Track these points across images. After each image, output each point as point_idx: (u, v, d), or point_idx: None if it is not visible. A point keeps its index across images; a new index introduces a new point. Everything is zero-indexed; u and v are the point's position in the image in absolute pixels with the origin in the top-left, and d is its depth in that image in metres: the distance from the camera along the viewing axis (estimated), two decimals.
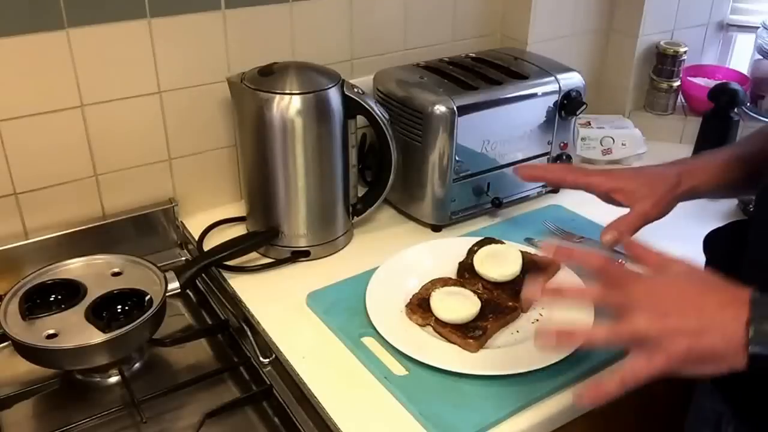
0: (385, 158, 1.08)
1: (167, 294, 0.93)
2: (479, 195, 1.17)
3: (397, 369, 0.86)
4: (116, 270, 0.96)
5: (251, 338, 0.96)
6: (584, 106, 1.18)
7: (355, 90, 1.04)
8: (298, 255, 1.08)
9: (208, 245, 1.08)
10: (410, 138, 1.11)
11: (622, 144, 1.36)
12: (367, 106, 1.04)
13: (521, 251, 1.01)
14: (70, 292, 0.92)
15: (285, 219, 1.06)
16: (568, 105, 1.18)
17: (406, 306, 0.94)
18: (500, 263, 0.98)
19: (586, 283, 0.97)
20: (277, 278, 1.05)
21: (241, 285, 1.02)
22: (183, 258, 1.15)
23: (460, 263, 1.02)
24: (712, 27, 1.56)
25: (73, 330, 0.86)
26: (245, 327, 0.98)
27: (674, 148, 1.42)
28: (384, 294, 0.96)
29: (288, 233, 1.07)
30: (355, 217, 1.13)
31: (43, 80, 0.98)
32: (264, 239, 1.07)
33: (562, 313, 0.93)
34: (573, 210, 1.21)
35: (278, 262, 1.07)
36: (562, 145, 1.22)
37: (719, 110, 1.29)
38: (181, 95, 1.10)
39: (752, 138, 0.94)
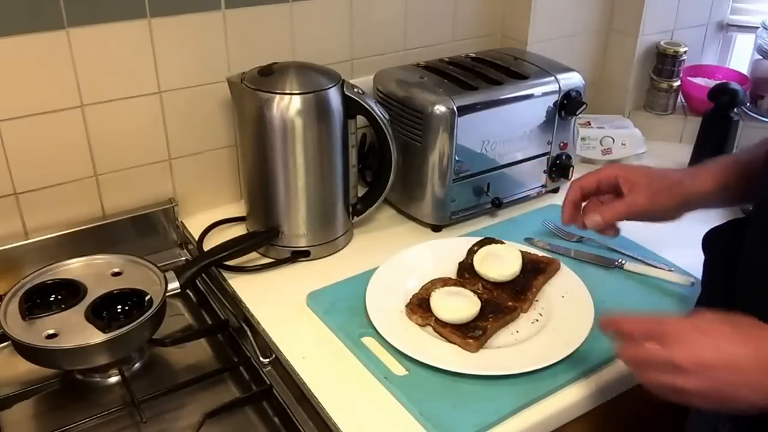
0: (385, 158, 1.08)
1: (167, 294, 0.93)
2: (479, 195, 1.17)
3: (397, 369, 0.86)
4: (116, 270, 0.96)
5: (251, 338, 0.96)
6: (584, 106, 1.18)
7: (355, 90, 1.04)
8: (298, 255, 1.08)
9: (208, 245, 1.08)
10: (410, 138, 1.11)
11: (622, 144, 1.36)
12: (367, 106, 1.04)
13: (521, 251, 1.01)
14: (70, 292, 0.92)
15: (285, 219, 1.06)
16: (568, 105, 1.18)
17: (406, 306, 0.94)
18: (500, 263, 0.98)
19: (587, 286, 0.97)
20: (277, 278, 1.05)
21: (241, 285, 1.02)
22: (183, 258, 1.15)
23: (460, 263, 1.02)
24: (712, 27, 1.56)
25: (73, 330, 0.86)
26: (245, 327, 0.98)
27: (674, 148, 1.42)
28: (384, 294, 0.96)
29: (288, 233, 1.07)
30: (355, 217, 1.13)
31: (43, 80, 0.98)
32: (264, 239, 1.07)
33: (563, 313, 0.94)
34: None
35: (278, 262, 1.07)
36: (562, 145, 1.22)
37: (719, 110, 1.29)
38: (181, 95, 1.10)
39: (757, 145, 0.94)
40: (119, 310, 0.93)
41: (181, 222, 1.16)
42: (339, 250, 1.11)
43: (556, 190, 1.27)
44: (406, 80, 1.14)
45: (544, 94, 1.16)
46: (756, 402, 0.63)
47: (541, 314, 0.95)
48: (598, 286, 0.98)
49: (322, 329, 0.94)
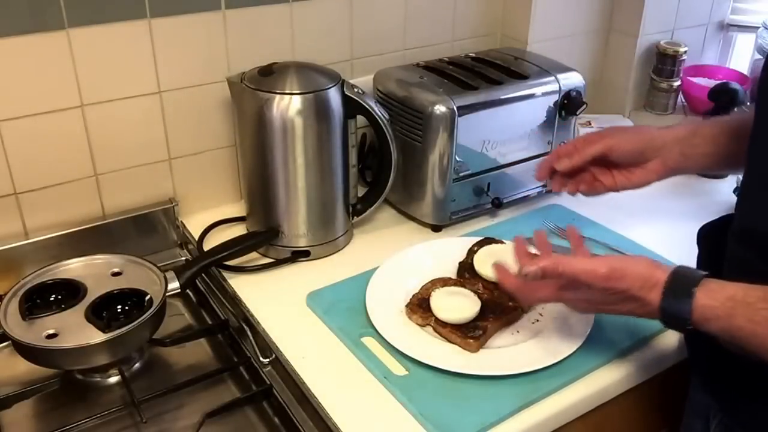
0: (385, 158, 1.08)
1: (167, 294, 0.93)
2: (479, 195, 1.17)
3: (397, 369, 0.86)
4: (116, 270, 0.96)
5: (251, 338, 0.96)
6: (584, 106, 1.18)
7: (355, 90, 1.04)
8: (298, 255, 1.08)
9: (208, 245, 1.08)
10: (410, 138, 1.11)
11: None
12: (367, 106, 1.04)
13: None
14: (70, 292, 0.92)
15: (285, 219, 1.06)
16: (568, 105, 1.18)
17: (406, 306, 0.94)
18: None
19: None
20: (277, 278, 1.05)
21: (241, 285, 1.02)
22: (183, 258, 1.15)
23: (460, 263, 1.02)
24: (712, 27, 1.56)
25: (73, 330, 0.86)
26: (245, 327, 0.98)
27: None
28: (384, 294, 0.96)
29: (288, 233, 1.07)
30: (355, 217, 1.13)
31: (43, 80, 0.98)
32: (264, 239, 1.07)
33: (563, 314, 0.94)
34: (573, 210, 1.21)
35: (278, 262, 1.07)
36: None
37: (719, 110, 1.29)
38: (181, 95, 1.10)
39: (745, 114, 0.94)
40: (119, 310, 0.93)
41: (181, 222, 1.16)
42: (339, 250, 1.11)
43: None
44: (406, 80, 1.14)
45: (545, 94, 1.16)
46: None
47: (541, 314, 0.95)
48: None
49: (322, 329, 0.94)
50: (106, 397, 0.90)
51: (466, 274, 1.00)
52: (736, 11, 1.57)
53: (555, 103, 1.17)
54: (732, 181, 1.26)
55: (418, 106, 1.09)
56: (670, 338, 0.93)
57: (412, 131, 1.10)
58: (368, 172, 1.23)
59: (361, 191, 1.15)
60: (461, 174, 1.12)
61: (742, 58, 1.60)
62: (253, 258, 1.08)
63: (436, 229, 1.16)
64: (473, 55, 1.26)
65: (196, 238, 1.12)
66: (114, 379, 0.92)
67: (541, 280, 0.78)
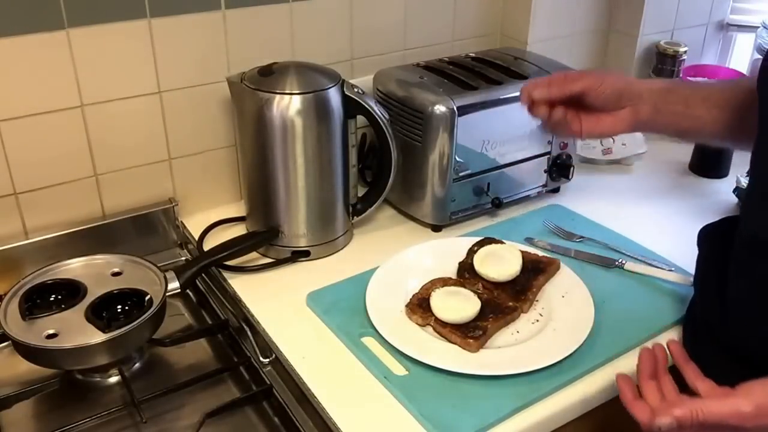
0: (385, 158, 1.08)
1: (167, 294, 0.93)
2: (479, 195, 1.17)
3: (397, 369, 0.86)
4: (116, 270, 0.96)
5: (251, 338, 0.96)
6: None
7: (355, 90, 1.04)
8: (298, 255, 1.08)
9: (208, 245, 1.08)
10: (410, 138, 1.11)
11: (622, 144, 1.36)
12: (367, 106, 1.04)
13: (521, 251, 1.01)
14: (70, 292, 0.92)
15: (285, 219, 1.06)
16: None
17: (406, 306, 0.94)
18: (500, 263, 0.98)
19: (587, 286, 0.98)
20: (277, 278, 1.05)
21: (241, 285, 1.02)
22: (183, 258, 1.15)
23: (460, 263, 1.02)
24: (712, 27, 1.56)
25: (73, 330, 0.86)
26: (245, 327, 0.98)
27: (674, 148, 1.42)
28: (384, 294, 0.96)
29: (288, 233, 1.07)
30: (355, 217, 1.13)
31: (43, 80, 0.98)
32: (264, 239, 1.07)
33: (563, 314, 0.94)
34: (573, 210, 1.21)
35: (278, 262, 1.07)
36: (562, 144, 1.22)
37: None
38: (181, 95, 1.10)
39: (730, 84, 0.93)
40: (119, 310, 0.93)
41: (181, 222, 1.16)
42: (339, 250, 1.11)
43: (556, 190, 1.27)
44: (406, 80, 1.14)
45: None
46: None
47: (541, 314, 0.95)
48: (598, 286, 0.98)
49: (322, 329, 0.94)
50: (106, 397, 0.90)
51: (466, 274, 1.00)
52: (736, 11, 1.57)
53: None
54: (732, 182, 1.26)
55: (418, 106, 1.09)
56: (671, 338, 0.93)
57: (412, 131, 1.11)
58: (368, 172, 1.23)
59: (361, 191, 1.15)
60: (461, 174, 1.12)
61: (741, 58, 1.60)
62: (253, 258, 1.08)
63: (436, 229, 1.16)
64: (473, 55, 1.26)
65: (196, 238, 1.12)
66: (114, 379, 0.92)
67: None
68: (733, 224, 0.83)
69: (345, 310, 0.95)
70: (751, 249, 0.77)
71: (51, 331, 0.85)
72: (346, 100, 1.03)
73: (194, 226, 1.15)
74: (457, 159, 1.10)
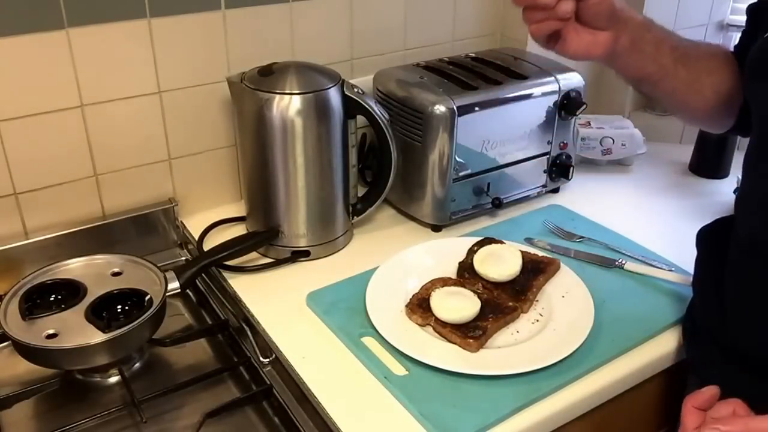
0: (385, 158, 1.08)
1: (167, 294, 0.93)
2: (479, 195, 1.17)
3: (397, 369, 0.86)
4: (116, 270, 0.96)
5: (251, 338, 0.96)
6: (584, 107, 1.18)
7: (355, 90, 1.04)
8: (298, 255, 1.08)
9: (208, 245, 1.08)
10: (410, 138, 1.11)
11: (622, 144, 1.36)
12: (367, 106, 1.04)
13: (521, 251, 1.01)
14: (70, 292, 0.92)
15: (285, 219, 1.06)
16: (568, 105, 1.18)
17: (406, 306, 0.94)
18: (500, 263, 0.98)
19: (587, 286, 0.98)
20: (277, 278, 1.05)
21: (241, 285, 1.02)
22: (183, 258, 1.15)
23: (460, 263, 1.02)
24: (712, 27, 1.56)
25: (73, 330, 0.86)
26: (245, 327, 0.98)
27: (674, 149, 1.42)
28: (384, 294, 0.96)
29: (288, 233, 1.07)
30: (355, 217, 1.13)
31: (43, 80, 0.98)
32: (264, 239, 1.07)
33: (563, 314, 0.94)
34: (573, 210, 1.21)
35: (278, 262, 1.07)
36: (561, 145, 1.22)
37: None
38: (181, 95, 1.10)
39: (699, 44, 0.90)
40: (119, 310, 0.93)
41: (181, 222, 1.16)
42: (339, 250, 1.11)
43: (556, 190, 1.27)
44: (406, 80, 1.14)
45: (544, 94, 1.16)
46: None
47: (541, 314, 0.95)
48: (598, 286, 0.98)
49: (322, 329, 0.94)
50: (106, 397, 0.90)
51: (466, 274, 1.00)
52: (736, 11, 1.57)
53: (555, 104, 1.17)
54: (732, 182, 1.26)
55: (418, 106, 1.09)
56: (670, 338, 0.93)
57: (412, 131, 1.11)
58: (368, 172, 1.23)
59: (361, 191, 1.15)
60: (461, 174, 1.12)
61: None
62: (253, 258, 1.08)
63: (436, 229, 1.16)
64: (473, 55, 1.26)
65: (196, 238, 1.12)
66: (114, 379, 0.92)
67: None
68: (731, 224, 0.83)
69: (345, 310, 0.95)
70: (746, 250, 0.77)
71: (51, 331, 0.85)
72: (346, 100, 1.03)
73: (194, 226, 1.15)
74: (457, 159, 1.10)
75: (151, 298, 0.91)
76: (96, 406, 0.87)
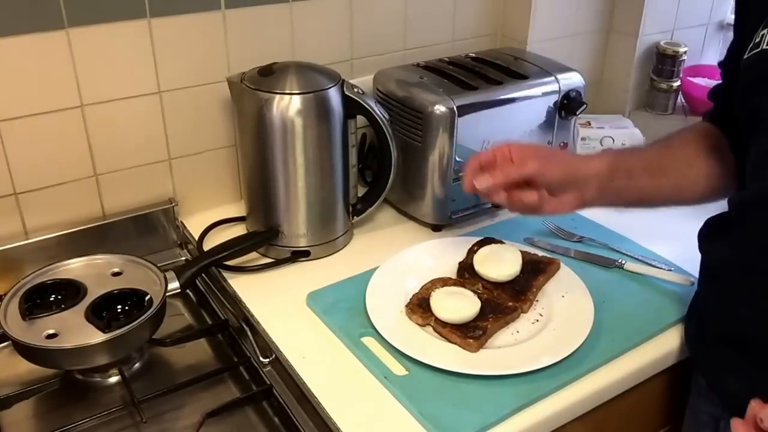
0: (385, 158, 1.08)
1: (167, 294, 0.93)
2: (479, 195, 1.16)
3: (397, 369, 0.86)
4: (116, 270, 0.96)
5: (251, 338, 0.96)
6: (584, 106, 1.18)
7: (355, 90, 1.04)
8: (298, 255, 1.08)
9: (208, 245, 1.08)
10: (410, 138, 1.11)
11: (622, 144, 1.36)
12: (367, 106, 1.04)
13: (521, 251, 1.01)
14: (70, 292, 0.92)
15: (285, 219, 1.06)
16: (568, 105, 1.18)
17: (406, 306, 0.94)
18: (500, 263, 0.98)
19: (587, 286, 0.98)
20: (277, 278, 1.05)
21: (241, 285, 1.02)
22: (183, 258, 1.15)
23: (460, 263, 1.02)
24: (712, 27, 1.56)
25: (73, 330, 0.86)
26: (245, 327, 0.98)
27: None
28: (384, 294, 0.96)
29: (288, 233, 1.07)
30: (355, 217, 1.13)
31: (43, 80, 0.98)
32: (264, 239, 1.07)
33: (562, 313, 0.94)
34: None
35: (278, 262, 1.07)
36: (562, 144, 1.22)
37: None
38: (181, 95, 1.10)
39: (669, 141, 0.94)
40: (119, 310, 0.93)
41: (181, 222, 1.16)
42: (339, 250, 1.11)
43: None
44: (406, 80, 1.14)
45: (544, 94, 1.16)
46: None
47: (541, 314, 0.95)
48: (598, 286, 0.98)
49: (322, 329, 0.94)
50: (106, 397, 0.90)
51: (466, 274, 1.00)
52: None
53: (555, 104, 1.17)
54: None
55: (418, 106, 1.09)
56: (670, 338, 0.93)
57: (412, 131, 1.11)
58: (368, 172, 1.23)
59: (361, 191, 1.15)
60: (461, 174, 1.12)
61: None
62: (253, 258, 1.08)
63: (436, 229, 1.16)
64: (473, 55, 1.26)
65: (196, 238, 1.12)
66: (114, 379, 0.92)
67: None
68: (725, 224, 0.83)
69: (345, 310, 0.95)
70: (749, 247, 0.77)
71: (51, 331, 0.85)
72: (346, 100, 1.03)
73: (194, 226, 1.15)
74: (457, 159, 1.10)
75: (151, 298, 0.91)
76: (96, 406, 0.87)
